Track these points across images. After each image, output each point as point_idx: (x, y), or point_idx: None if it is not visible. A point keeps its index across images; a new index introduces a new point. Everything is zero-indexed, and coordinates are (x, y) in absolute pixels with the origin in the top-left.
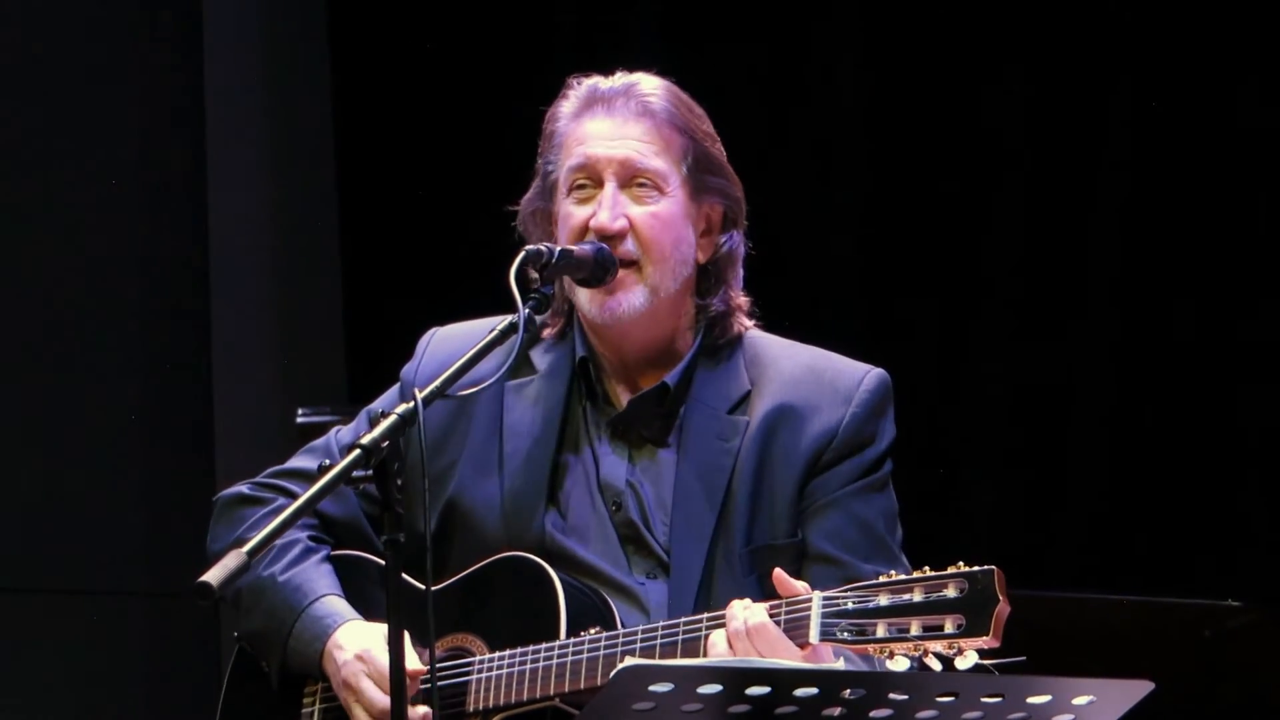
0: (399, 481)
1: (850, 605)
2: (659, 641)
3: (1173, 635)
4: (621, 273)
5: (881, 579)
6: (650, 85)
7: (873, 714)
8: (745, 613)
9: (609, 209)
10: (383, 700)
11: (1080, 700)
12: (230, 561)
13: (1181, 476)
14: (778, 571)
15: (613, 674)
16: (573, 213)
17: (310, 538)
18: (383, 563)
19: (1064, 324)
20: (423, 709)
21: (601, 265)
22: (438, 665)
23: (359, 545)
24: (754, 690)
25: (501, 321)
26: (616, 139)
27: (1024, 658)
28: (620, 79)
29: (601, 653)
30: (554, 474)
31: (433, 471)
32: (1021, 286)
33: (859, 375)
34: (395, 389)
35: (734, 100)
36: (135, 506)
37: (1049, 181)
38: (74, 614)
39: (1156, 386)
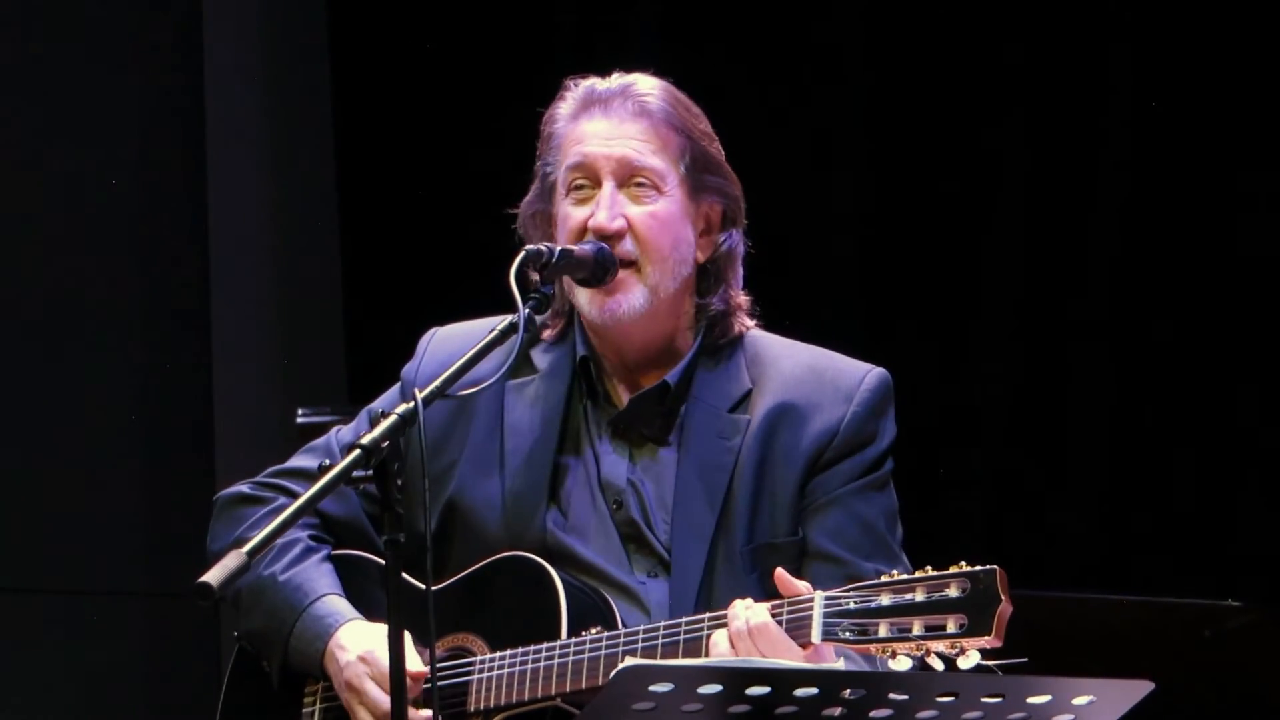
0: (399, 481)
1: (852, 605)
2: (660, 641)
3: (1173, 635)
4: (621, 273)
5: (884, 578)
6: (647, 85)
7: (873, 714)
8: (747, 612)
9: (607, 209)
10: (387, 702)
11: (1080, 700)
12: (230, 562)
13: (1181, 476)
14: (779, 571)
15: (612, 674)
16: (571, 213)
17: (311, 537)
18: (384, 562)
19: (1064, 324)
20: (426, 711)
21: (602, 265)
22: (439, 665)
23: (360, 545)
24: (754, 690)
25: (501, 321)
26: (614, 138)
27: (1026, 659)
28: (617, 80)
29: (603, 652)
30: (555, 473)
31: (433, 471)
32: (1021, 286)
33: (860, 374)
34: (396, 388)
35: (734, 100)
36: (135, 506)
37: (1049, 181)
38: (74, 614)
39: (1156, 386)
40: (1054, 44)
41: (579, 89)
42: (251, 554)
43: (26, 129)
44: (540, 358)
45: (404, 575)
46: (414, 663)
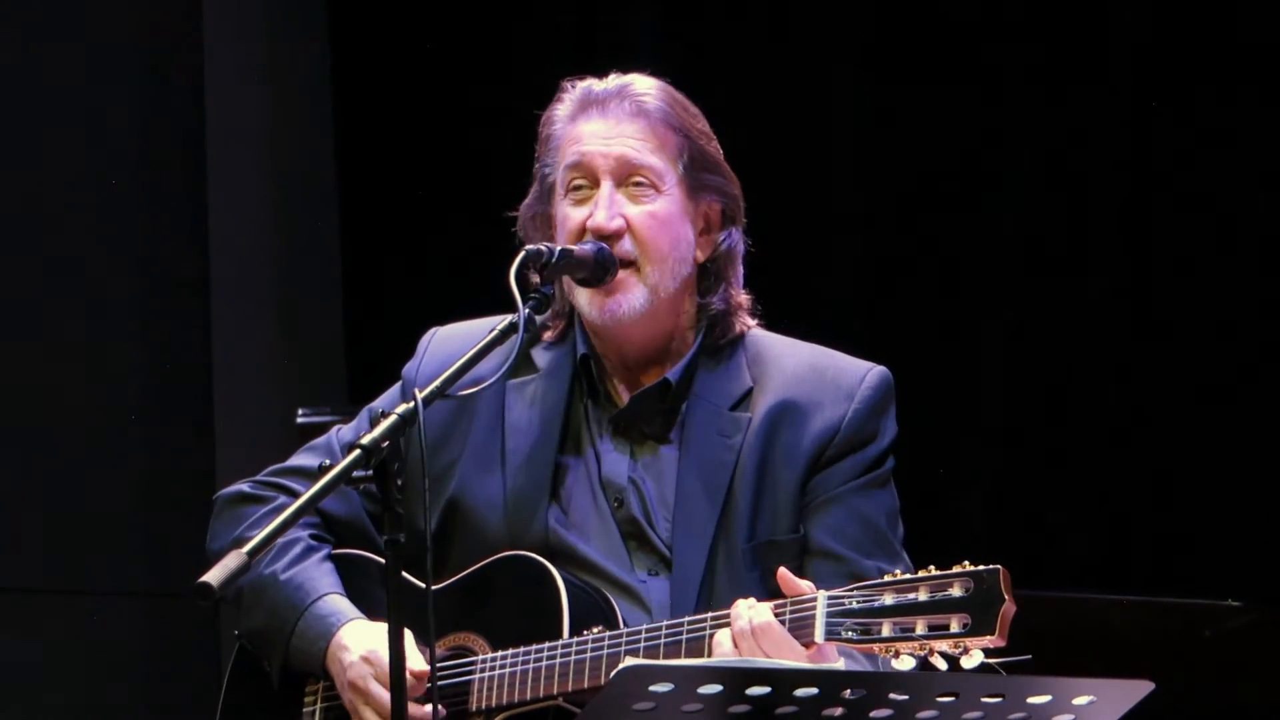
0: (399, 481)
1: (855, 604)
2: (663, 641)
3: (1173, 635)
4: (621, 273)
5: (887, 578)
6: (644, 85)
7: (873, 714)
8: (750, 612)
9: (605, 208)
10: None
11: (1080, 700)
12: (230, 562)
13: (1181, 476)
14: (782, 570)
15: (613, 674)
16: (570, 214)
17: (312, 536)
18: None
19: (1064, 324)
20: (428, 707)
21: (602, 265)
22: (440, 664)
23: (361, 544)
24: (754, 690)
25: (502, 321)
26: (612, 138)
27: (1029, 656)
28: (614, 80)
29: (605, 652)
30: (555, 472)
31: (434, 470)
32: (1021, 286)
33: (861, 372)
34: (397, 387)
35: (734, 99)
36: (135, 506)
37: (1049, 181)
38: (74, 614)
39: (1156, 386)
40: (1054, 44)
41: (576, 90)
42: (252, 554)
43: (26, 129)
44: (541, 357)
45: (405, 574)
46: (417, 662)
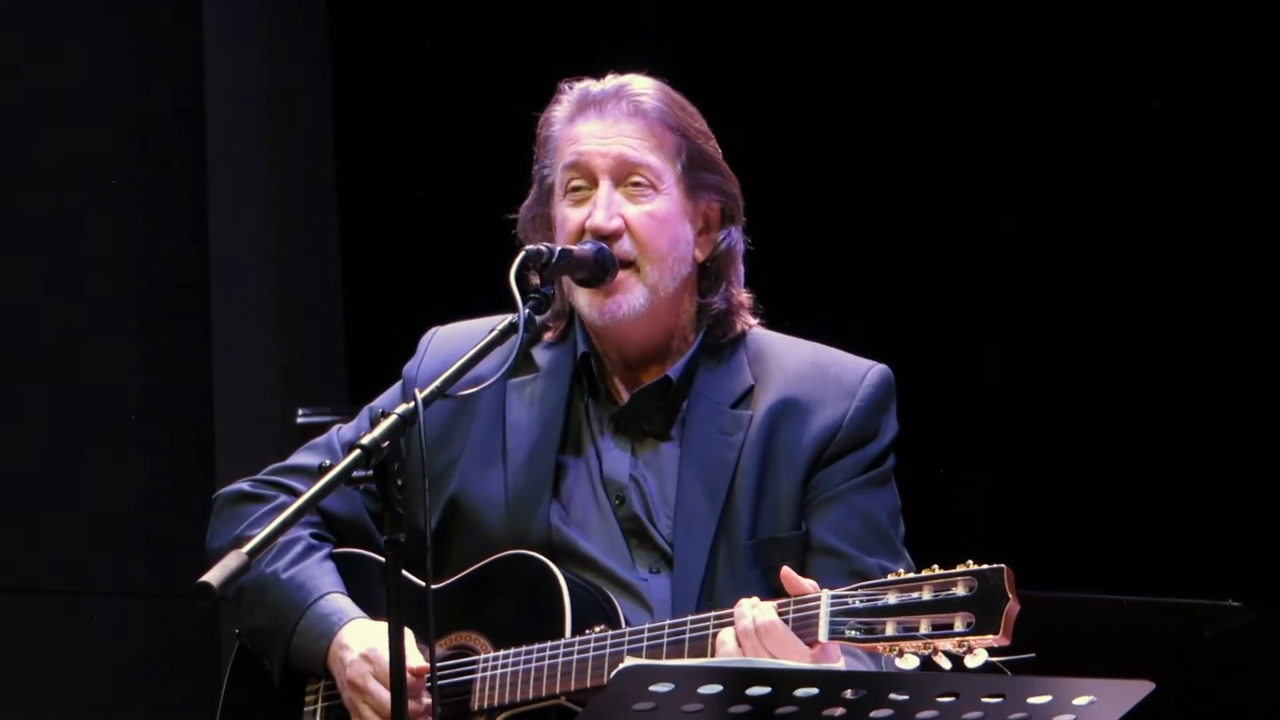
0: (399, 481)
1: (859, 603)
2: (665, 640)
3: (1173, 635)
4: (620, 273)
5: (890, 577)
6: (642, 85)
7: (873, 714)
8: (754, 611)
9: (604, 208)
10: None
11: (1080, 700)
12: (230, 562)
13: (1181, 476)
14: (786, 569)
15: (613, 674)
16: (569, 215)
17: (313, 535)
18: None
19: (1064, 324)
20: (428, 700)
21: (602, 265)
22: (442, 663)
23: (362, 543)
24: (754, 690)
25: (502, 321)
26: (609, 138)
27: (1033, 654)
28: (611, 81)
29: (608, 651)
30: (556, 470)
31: (434, 469)
32: (1021, 286)
33: (862, 370)
34: (397, 387)
35: (734, 99)
36: (135, 506)
37: (1049, 181)
38: (74, 614)
39: (1156, 386)
40: (1054, 44)
41: (574, 91)
42: (252, 553)
43: (27, 129)
44: (541, 356)
45: (406, 574)
46: (417, 661)
